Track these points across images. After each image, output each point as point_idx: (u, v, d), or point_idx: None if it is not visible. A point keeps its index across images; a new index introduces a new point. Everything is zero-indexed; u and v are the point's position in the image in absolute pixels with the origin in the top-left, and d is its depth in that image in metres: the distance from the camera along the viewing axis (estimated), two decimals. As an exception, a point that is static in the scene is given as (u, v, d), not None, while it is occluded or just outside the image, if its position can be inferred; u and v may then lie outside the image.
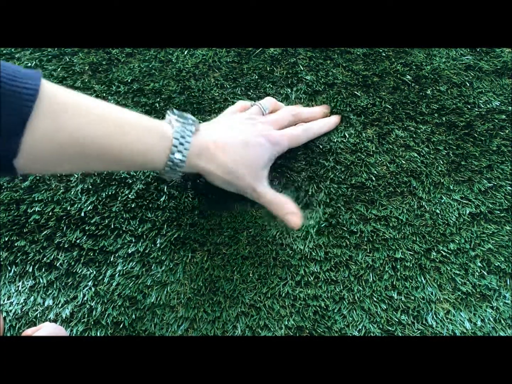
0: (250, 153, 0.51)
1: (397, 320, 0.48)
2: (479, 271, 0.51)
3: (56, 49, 0.66)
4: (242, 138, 0.51)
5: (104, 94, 0.62)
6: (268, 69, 0.64)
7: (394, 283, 0.50)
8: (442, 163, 0.57)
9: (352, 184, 0.56)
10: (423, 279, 0.51)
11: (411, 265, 0.51)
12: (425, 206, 0.54)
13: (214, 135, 0.50)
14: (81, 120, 0.41)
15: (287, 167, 0.57)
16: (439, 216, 0.54)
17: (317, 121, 0.59)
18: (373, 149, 0.58)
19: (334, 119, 0.59)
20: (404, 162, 0.57)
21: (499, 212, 0.54)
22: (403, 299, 0.50)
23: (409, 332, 0.48)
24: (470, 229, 0.53)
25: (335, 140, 0.58)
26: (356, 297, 0.50)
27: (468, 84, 0.62)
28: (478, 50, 0.64)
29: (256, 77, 0.63)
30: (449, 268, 0.51)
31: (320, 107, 0.60)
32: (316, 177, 0.56)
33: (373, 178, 0.56)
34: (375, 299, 0.50)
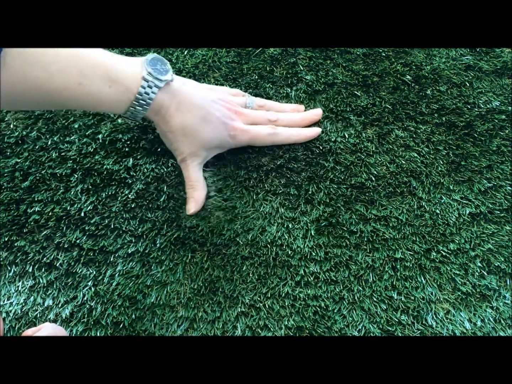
0: (202, 130, 0.52)
1: (397, 320, 0.48)
2: (479, 271, 0.51)
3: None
4: (204, 113, 0.52)
5: (104, 94, 0.62)
6: (268, 69, 0.64)
7: (394, 283, 0.50)
8: (442, 163, 0.57)
9: (352, 184, 0.56)
10: (423, 279, 0.51)
11: (411, 265, 0.51)
12: (425, 206, 0.54)
13: (181, 96, 0.51)
14: (43, 73, 0.46)
15: (287, 168, 0.57)
16: (439, 216, 0.54)
17: (290, 129, 0.58)
18: (373, 149, 0.58)
19: (310, 133, 0.58)
20: (404, 162, 0.57)
21: (499, 212, 0.54)
22: (403, 299, 0.50)
23: (409, 332, 0.48)
24: (470, 229, 0.53)
25: (334, 140, 0.58)
26: (356, 297, 0.50)
27: (468, 84, 0.62)
28: (478, 50, 0.64)
29: (256, 77, 0.63)
30: (449, 268, 0.51)
31: (307, 114, 0.59)
32: (316, 178, 0.56)
33: (373, 178, 0.56)
34: (375, 299, 0.50)
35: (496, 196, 0.55)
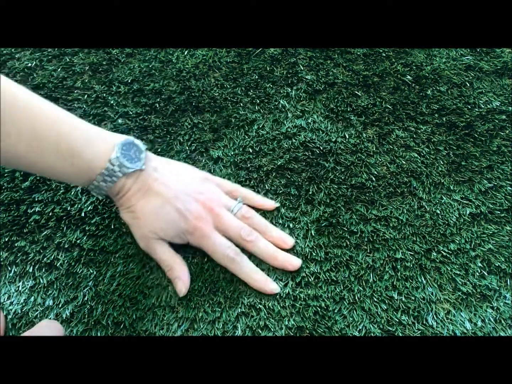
0: (156, 218, 0.49)
1: (397, 320, 0.48)
2: (479, 271, 0.51)
3: (56, 49, 0.66)
4: (163, 202, 0.49)
5: (104, 94, 0.62)
6: (268, 69, 0.64)
7: (395, 283, 0.50)
8: (442, 163, 0.57)
9: (352, 184, 0.56)
10: (423, 279, 0.51)
11: (411, 265, 0.51)
12: (425, 206, 0.54)
13: (144, 181, 0.49)
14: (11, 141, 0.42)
15: (287, 168, 0.57)
16: (439, 216, 0.54)
17: (254, 269, 0.51)
18: (374, 149, 0.58)
19: (269, 290, 0.50)
20: (404, 162, 0.57)
21: (499, 212, 0.54)
22: (403, 299, 0.50)
23: (409, 332, 0.48)
24: (471, 229, 0.53)
25: (335, 141, 0.58)
26: (356, 297, 0.50)
27: (468, 84, 0.62)
28: (478, 50, 0.64)
29: (256, 77, 0.63)
30: (449, 269, 0.51)
31: (284, 257, 0.51)
32: (316, 178, 0.56)
33: (373, 179, 0.56)
34: (375, 299, 0.50)
35: (496, 196, 0.55)
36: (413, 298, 0.50)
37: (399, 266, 0.51)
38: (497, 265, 0.51)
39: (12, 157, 0.43)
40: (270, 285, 0.50)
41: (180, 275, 0.50)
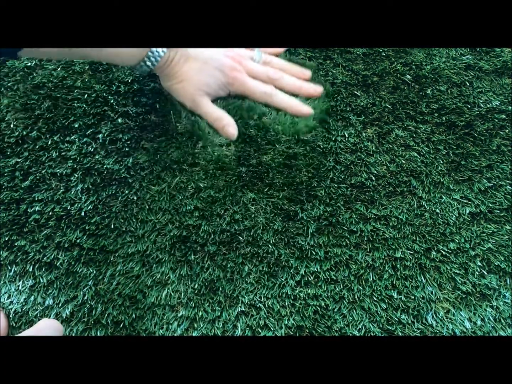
0: (199, 75, 0.58)
1: (397, 319, 0.49)
2: (479, 270, 0.51)
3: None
4: (202, 62, 0.58)
5: (104, 94, 0.62)
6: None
7: (394, 282, 0.51)
8: (442, 162, 0.57)
9: (352, 183, 0.56)
10: (423, 278, 0.51)
11: (411, 265, 0.51)
12: (425, 205, 0.54)
13: (184, 51, 0.58)
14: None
15: (287, 166, 0.57)
16: (439, 215, 0.54)
17: (287, 97, 0.60)
18: (373, 148, 0.58)
19: (303, 110, 0.59)
20: (404, 161, 0.57)
21: (499, 211, 0.54)
22: (403, 299, 0.50)
23: (409, 331, 0.48)
24: (470, 228, 0.53)
25: (335, 140, 0.58)
26: (356, 297, 0.50)
27: (468, 84, 0.62)
28: (478, 50, 0.64)
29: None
30: (449, 268, 0.51)
31: (307, 85, 0.61)
32: (316, 177, 0.56)
33: (373, 178, 0.56)
34: (375, 299, 0.50)
35: (496, 196, 0.55)
36: (412, 297, 0.50)
37: (398, 265, 0.51)
38: (496, 264, 0.51)
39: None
40: (305, 107, 0.59)
41: (228, 122, 0.58)
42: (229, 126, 0.58)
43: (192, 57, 0.58)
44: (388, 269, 0.51)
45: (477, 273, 0.51)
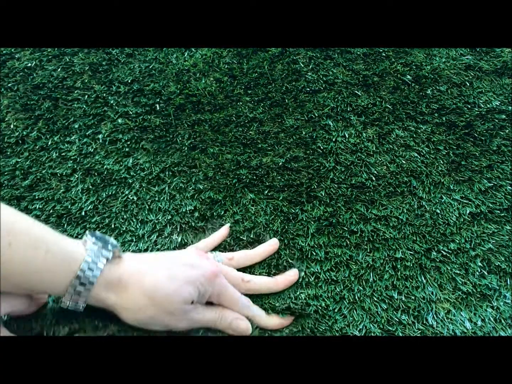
0: (173, 286, 0.43)
1: (397, 320, 0.48)
2: (479, 270, 0.51)
3: (56, 49, 0.66)
4: (169, 266, 0.44)
5: (104, 94, 0.62)
6: (268, 68, 0.64)
7: (395, 282, 0.50)
8: (442, 163, 0.57)
9: (352, 184, 0.56)
10: (423, 278, 0.51)
11: (411, 265, 0.51)
12: (425, 206, 0.54)
13: (134, 265, 0.43)
14: None
15: (287, 168, 0.57)
16: (439, 216, 0.54)
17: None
18: (373, 149, 0.58)
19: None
20: (404, 162, 0.57)
21: (499, 211, 0.54)
22: (403, 299, 0.50)
23: (409, 332, 0.48)
24: (470, 228, 0.53)
25: (335, 140, 0.58)
26: (356, 297, 0.50)
27: (468, 84, 0.62)
28: (478, 50, 0.64)
29: (257, 76, 0.63)
30: (449, 268, 0.51)
31: (282, 277, 0.50)
32: (317, 177, 0.56)
33: (373, 178, 0.56)
34: (375, 299, 0.50)
35: (496, 196, 0.55)
36: (413, 297, 0.50)
37: (399, 266, 0.51)
38: (497, 264, 0.51)
39: None
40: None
41: (234, 315, 0.47)
42: (238, 319, 0.46)
43: (154, 262, 0.44)
44: (389, 269, 0.51)
45: (477, 273, 0.51)
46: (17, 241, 0.38)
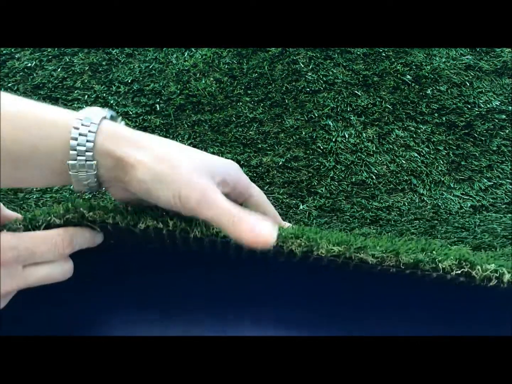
0: (193, 153, 0.36)
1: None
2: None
3: (56, 49, 0.66)
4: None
5: (104, 94, 0.62)
6: (268, 68, 0.64)
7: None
8: (442, 162, 0.57)
9: (352, 181, 0.56)
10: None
11: (415, 237, 0.50)
12: (427, 200, 0.54)
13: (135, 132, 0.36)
14: None
15: (287, 167, 0.57)
16: (441, 207, 0.54)
17: None
18: (373, 149, 0.58)
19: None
20: (404, 161, 0.57)
21: (500, 204, 0.54)
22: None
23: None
24: (473, 216, 0.53)
25: (335, 140, 0.58)
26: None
27: (468, 84, 0.62)
28: (478, 50, 0.64)
29: (257, 76, 0.63)
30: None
31: None
32: (317, 175, 0.56)
33: (374, 177, 0.56)
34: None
35: (496, 193, 0.55)
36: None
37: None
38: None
39: None
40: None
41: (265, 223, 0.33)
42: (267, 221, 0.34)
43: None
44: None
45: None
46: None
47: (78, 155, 0.34)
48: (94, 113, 0.35)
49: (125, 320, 0.45)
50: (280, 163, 0.57)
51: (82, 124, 0.34)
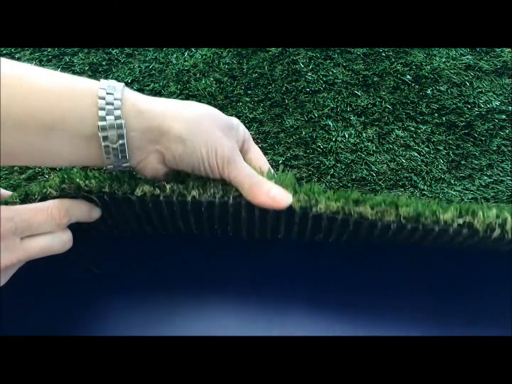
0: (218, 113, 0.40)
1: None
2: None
3: (56, 49, 0.66)
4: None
5: (104, 94, 0.62)
6: (268, 68, 0.64)
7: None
8: (442, 162, 0.57)
9: (352, 178, 0.56)
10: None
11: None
12: (428, 194, 0.54)
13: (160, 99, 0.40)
14: None
15: (285, 165, 0.56)
16: (442, 199, 0.54)
17: None
18: (373, 148, 0.58)
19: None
20: (404, 160, 0.57)
21: (501, 196, 0.54)
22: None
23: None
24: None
25: (335, 140, 0.58)
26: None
27: (468, 84, 0.62)
28: (478, 50, 0.64)
29: (256, 76, 0.63)
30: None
31: None
32: (317, 173, 0.56)
33: (374, 175, 0.56)
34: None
35: (497, 188, 0.55)
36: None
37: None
38: None
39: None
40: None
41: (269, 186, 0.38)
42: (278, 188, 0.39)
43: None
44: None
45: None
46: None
47: (107, 114, 0.35)
48: (113, 82, 0.37)
49: (126, 320, 0.45)
50: (280, 161, 0.57)
51: (108, 86, 0.36)
